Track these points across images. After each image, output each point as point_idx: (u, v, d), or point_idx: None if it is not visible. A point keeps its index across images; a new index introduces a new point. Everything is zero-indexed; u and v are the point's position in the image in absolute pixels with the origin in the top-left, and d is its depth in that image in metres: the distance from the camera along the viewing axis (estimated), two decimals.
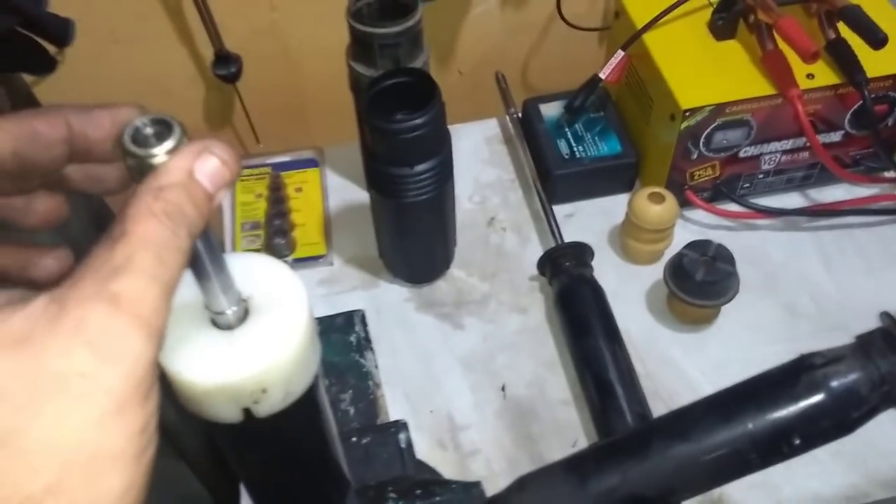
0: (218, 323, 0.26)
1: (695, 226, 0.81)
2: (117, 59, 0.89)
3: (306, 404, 0.28)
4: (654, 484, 0.42)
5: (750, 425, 0.41)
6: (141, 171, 0.22)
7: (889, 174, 0.81)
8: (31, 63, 0.60)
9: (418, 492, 0.50)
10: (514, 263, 0.80)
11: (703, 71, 0.74)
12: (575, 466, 0.44)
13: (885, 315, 0.39)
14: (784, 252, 0.79)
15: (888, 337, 0.40)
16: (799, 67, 0.72)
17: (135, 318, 0.21)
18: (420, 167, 0.65)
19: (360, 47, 0.71)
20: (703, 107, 0.71)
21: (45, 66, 0.61)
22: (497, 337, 0.74)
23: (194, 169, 0.23)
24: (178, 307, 0.27)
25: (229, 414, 0.26)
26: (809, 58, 0.67)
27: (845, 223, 0.80)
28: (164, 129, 0.22)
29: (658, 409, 0.66)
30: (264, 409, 0.27)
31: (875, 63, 0.71)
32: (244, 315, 0.26)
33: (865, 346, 0.40)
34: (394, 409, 0.69)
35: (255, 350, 0.26)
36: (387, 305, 0.77)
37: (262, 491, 0.34)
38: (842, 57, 0.71)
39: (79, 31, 0.85)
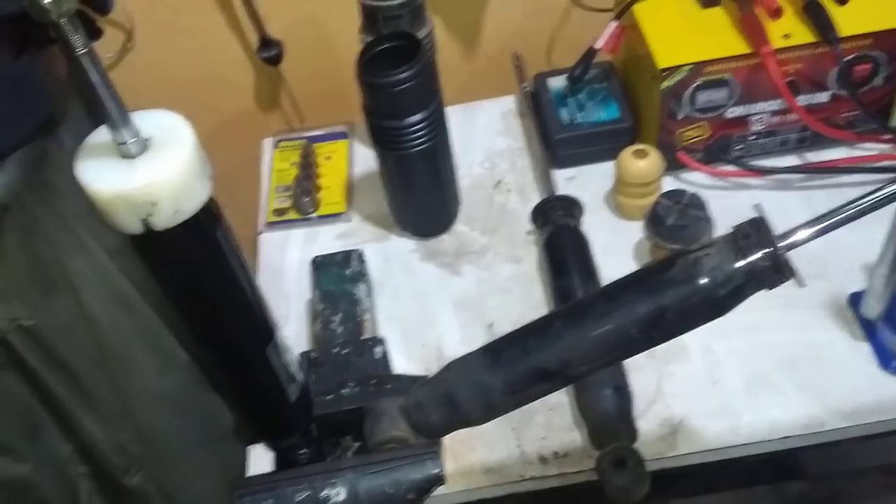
0: (123, 153, 0.35)
1: (689, 187, 0.85)
2: (178, 47, 1.02)
3: (200, 227, 0.37)
4: (553, 358, 0.48)
5: (631, 305, 0.46)
6: (35, 9, 0.31)
7: (885, 136, 0.83)
8: (91, 33, 0.72)
9: (374, 381, 0.57)
10: (515, 220, 0.86)
11: (685, 35, 0.79)
12: (490, 348, 0.50)
13: (756, 206, 0.42)
14: (774, 209, 0.79)
15: (754, 224, 0.45)
16: (776, 29, 0.76)
17: None
18: (410, 119, 0.73)
19: (368, 21, 0.80)
20: (680, 66, 0.76)
21: (90, 34, 0.72)
22: (490, 282, 0.81)
23: None
24: (96, 144, 0.36)
25: (133, 224, 0.35)
26: (773, 13, 0.71)
27: (838, 182, 0.83)
28: None
29: None
30: (159, 221, 0.35)
31: (853, 22, 0.74)
32: (144, 149, 0.35)
33: (736, 233, 0.45)
34: (391, 343, 0.76)
35: (146, 170, 0.34)
36: (394, 255, 0.85)
37: (190, 326, 0.42)
38: (815, 16, 0.74)
39: (144, 21, 0.99)
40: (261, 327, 0.44)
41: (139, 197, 0.34)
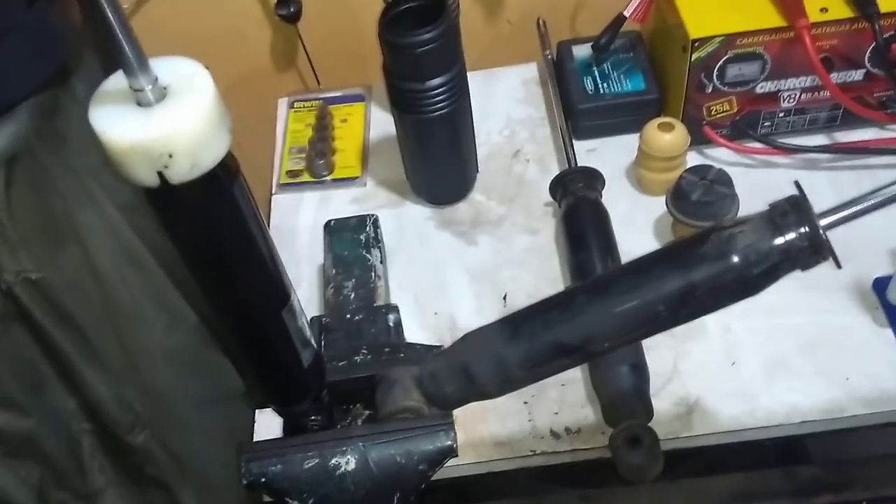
0: (140, 101, 0.33)
1: (714, 163, 0.83)
2: (195, 1, 0.99)
3: (216, 182, 0.35)
4: (575, 332, 0.46)
5: (659, 280, 0.44)
6: None
7: None
8: None
9: (387, 349, 0.56)
10: (533, 191, 0.84)
11: (719, 6, 0.76)
12: (509, 319, 0.49)
13: (796, 183, 0.40)
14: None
15: (792, 201, 0.43)
16: (814, 2, 0.73)
17: None
18: (432, 82, 0.71)
19: None
20: (712, 37, 0.74)
21: None
22: (506, 253, 0.79)
23: None
24: (111, 90, 0.34)
25: (147, 176, 0.33)
26: None
27: (867, 163, 0.80)
28: None
29: None
30: (175, 174, 0.33)
31: None
32: (161, 97, 0.33)
33: (772, 211, 0.43)
34: (403, 311, 0.75)
35: (163, 119, 0.32)
36: (409, 222, 0.83)
37: (204, 287, 0.41)
38: None
39: None
40: (277, 289, 0.42)
41: (156, 147, 0.32)
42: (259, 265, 0.40)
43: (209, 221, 0.37)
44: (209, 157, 0.34)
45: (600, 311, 0.46)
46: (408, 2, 0.71)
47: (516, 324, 0.48)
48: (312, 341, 0.48)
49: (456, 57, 0.72)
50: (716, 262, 0.43)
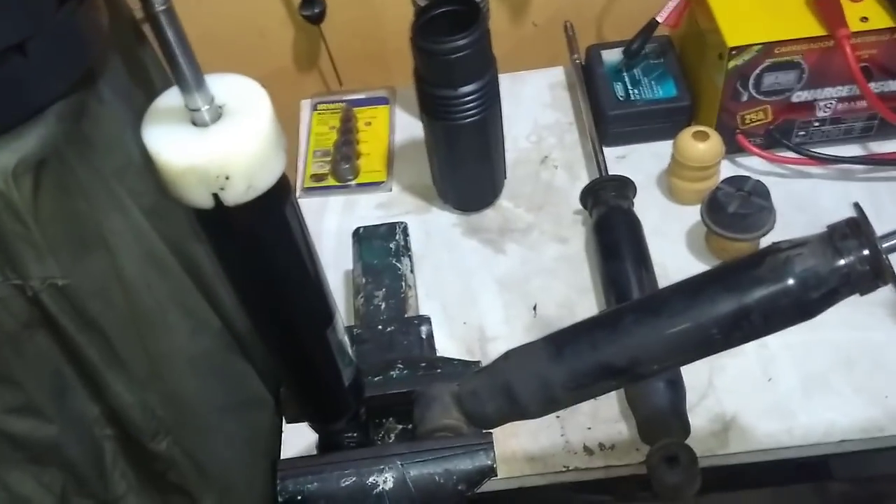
0: (195, 121, 0.32)
1: (746, 172, 0.82)
2: (218, 1, 0.98)
3: (272, 204, 0.34)
4: (623, 354, 0.45)
5: (713, 302, 0.43)
6: None
7: None
8: None
9: (423, 364, 0.55)
10: (561, 198, 0.83)
11: (755, 13, 0.75)
12: (554, 339, 0.48)
13: (856, 205, 0.39)
14: (835, 200, 0.79)
15: (853, 224, 0.42)
16: (854, 11, 0.72)
17: None
18: (464, 89, 0.70)
19: None
20: (750, 45, 0.72)
21: None
22: (535, 262, 0.78)
23: None
24: (165, 108, 0.33)
25: (202, 198, 0.32)
26: None
27: None
28: None
29: None
30: (230, 196, 0.32)
31: None
32: (218, 117, 0.32)
33: (831, 232, 0.42)
34: (432, 319, 0.74)
35: (220, 140, 0.31)
36: (436, 229, 0.82)
37: (250, 307, 0.40)
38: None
39: None
40: (322, 309, 0.41)
41: (212, 170, 0.31)
42: (307, 285, 0.39)
43: (261, 242, 0.36)
44: (266, 179, 0.33)
45: (650, 332, 0.45)
46: (441, 7, 0.70)
47: (561, 343, 0.47)
48: (353, 359, 0.47)
49: (489, 63, 0.71)
50: (772, 285, 0.42)
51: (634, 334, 0.45)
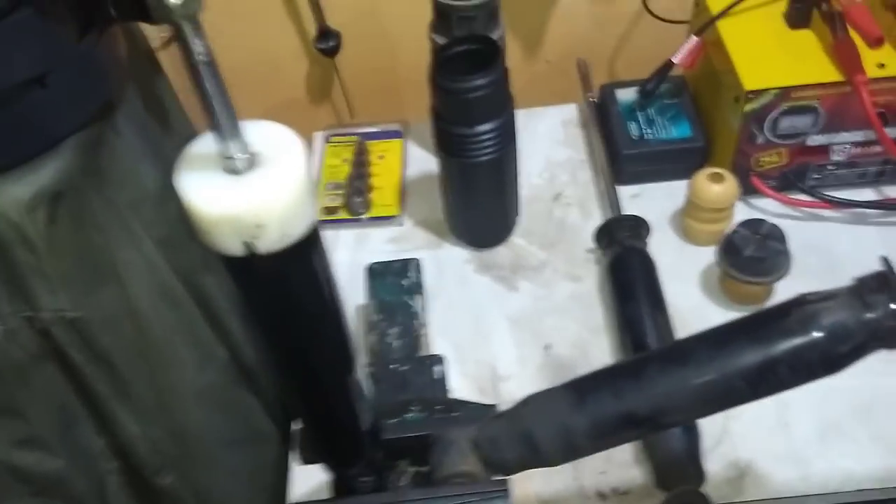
0: (229, 168, 0.32)
1: (760, 213, 0.82)
2: (233, 32, 0.98)
3: (303, 252, 0.33)
4: (646, 404, 0.45)
5: (739, 354, 0.43)
6: (159, 9, 0.27)
7: None
8: (148, 12, 0.69)
9: (439, 407, 0.54)
10: (574, 236, 0.83)
11: (772, 56, 0.75)
12: (576, 386, 0.47)
13: (883, 259, 0.38)
14: (849, 244, 0.79)
15: (881, 277, 0.41)
16: (871, 57, 0.72)
17: None
18: (481, 127, 0.70)
19: (441, 20, 0.77)
20: (767, 89, 0.72)
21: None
22: (548, 301, 0.78)
23: None
24: (199, 154, 0.32)
25: (234, 246, 0.32)
26: (874, 42, 0.67)
27: None
28: None
29: None
30: (263, 245, 0.32)
31: None
32: (252, 165, 0.32)
33: (859, 286, 0.42)
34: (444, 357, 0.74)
35: (254, 189, 0.31)
36: (448, 265, 0.82)
37: (274, 352, 0.39)
38: None
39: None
40: (345, 354, 0.41)
41: (246, 219, 0.31)
42: (332, 331, 0.39)
43: (290, 288, 0.35)
44: (299, 228, 0.33)
45: (674, 383, 0.44)
46: (461, 45, 0.70)
47: (583, 391, 0.47)
48: (372, 403, 0.46)
49: (507, 102, 0.71)
50: (800, 338, 0.42)
51: (658, 384, 0.44)
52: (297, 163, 0.32)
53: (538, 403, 0.48)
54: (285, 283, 0.34)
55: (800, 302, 0.43)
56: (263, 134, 0.33)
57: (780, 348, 0.42)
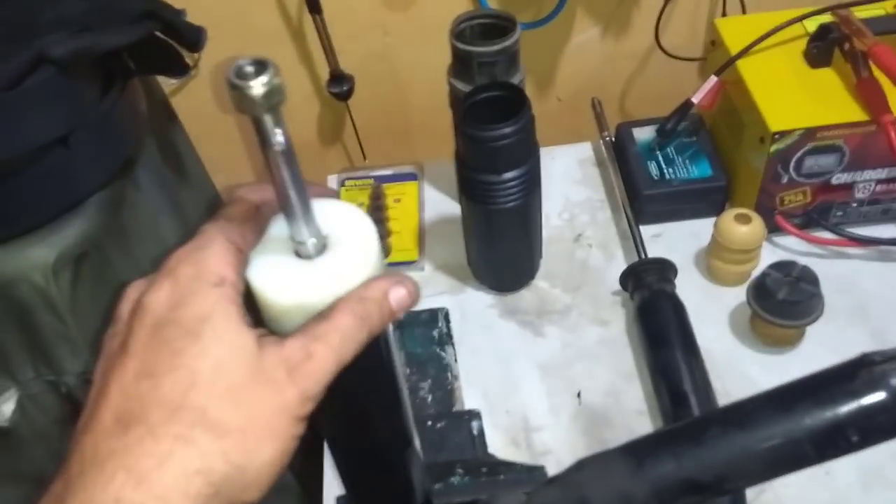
0: (300, 253, 0.30)
1: (784, 252, 0.81)
2: None
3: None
4: (709, 470, 0.43)
5: (805, 418, 0.42)
6: (241, 100, 0.26)
7: None
8: (169, 66, 0.68)
9: (484, 469, 0.53)
10: (598, 278, 0.82)
11: (795, 96, 0.75)
12: (633, 450, 0.46)
13: None
14: (876, 282, 0.78)
15: None
16: (892, 95, 0.72)
17: (317, 370, 0.30)
18: (507, 175, 0.69)
19: (461, 65, 0.76)
20: (792, 130, 0.72)
21: (181, 69, 0.68)
22: (576, 346, 0.76)
23: (389, 292, 0.31)
24: (269, 239, 0.31)
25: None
26: None
27: None
28: (260, 67, 0.27)
29: None
30: None
31: None
32: (322, 249, 0.31)
33: None
34: (472, 405, 0.72)
35: (329, 276, 0.30)
36: (472, 310, 0.80)
37: (335, 436, 0.38)
38: None
39: (211, 50, 0.95)
40: (405, 430, 0.39)
41: (318, 306, 0.30)
42: (394, 409, 0.38)
43: (356, 373, 0.34)
44: None
45: (737, 448, 0.43)
46: (487, 92, 0.70)
47: (641, 455, 0.45)
48: (425, 477, 0.44)
49: (532, 149, 0.70)
50: (868, 400, 0.41)
51: (721, 450, 0.43)
52: (369, 246, 0.31)
53: (593, 469, 0.47)
54: (352, 365, 0.33)
55: (866, 363, 0.42)
56: (333, 215, 0.32)
57: (849, 411, 0.41)
